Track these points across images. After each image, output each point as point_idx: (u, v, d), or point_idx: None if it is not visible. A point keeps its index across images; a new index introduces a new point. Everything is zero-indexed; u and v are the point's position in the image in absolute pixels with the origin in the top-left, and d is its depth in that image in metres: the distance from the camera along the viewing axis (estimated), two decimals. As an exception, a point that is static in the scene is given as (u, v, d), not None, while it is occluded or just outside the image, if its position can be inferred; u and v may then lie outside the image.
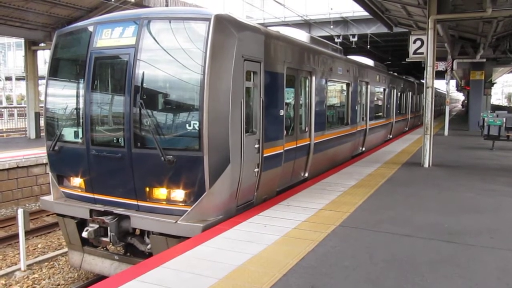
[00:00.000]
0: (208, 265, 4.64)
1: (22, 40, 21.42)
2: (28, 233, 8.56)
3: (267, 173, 7.13)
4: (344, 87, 12.17)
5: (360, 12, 21.39)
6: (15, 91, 56.05)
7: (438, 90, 39.12)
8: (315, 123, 9.30)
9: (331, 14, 24.90)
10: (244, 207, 6.71)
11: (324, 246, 5.26)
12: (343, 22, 25.73)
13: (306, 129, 9.15)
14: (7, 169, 12.76)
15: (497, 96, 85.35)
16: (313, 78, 9.22)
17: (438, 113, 34.88)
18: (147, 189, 6.24)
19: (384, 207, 7.13)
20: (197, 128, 5.79)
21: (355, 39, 25.31)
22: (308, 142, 9.12)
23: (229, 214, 6.31)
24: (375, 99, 15.99)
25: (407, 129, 23.59)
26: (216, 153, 5.87)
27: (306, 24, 25.12)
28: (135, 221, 6.25)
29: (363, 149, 14.20)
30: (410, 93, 24.00)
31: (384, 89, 17.28)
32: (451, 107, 37.00)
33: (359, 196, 7.81)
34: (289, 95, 8.40)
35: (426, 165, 11.33)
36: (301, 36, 9.82)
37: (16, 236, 9.23)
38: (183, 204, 6.06)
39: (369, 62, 15.80)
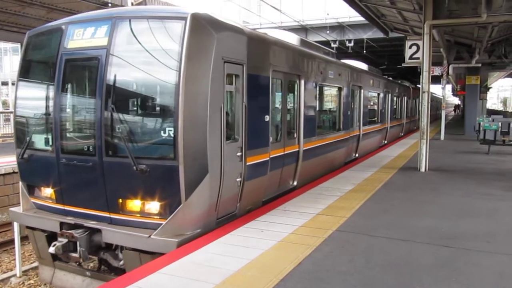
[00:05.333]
0: (204, 270, 4.62)
1: (19, 45, 21.41)
2: (24, 238, 8.50)
3: (251, 183, 6.74)
4: (336, 91, 11.79)
5: (356, 17, 21.48)
6: (11, 96, 55.95)
7: (434, 94, 39.26)
8: (304, 129, 8.93)
9: (328, 19, 25.00)
10: (226, 219, 6.31)
11: (321, 251, 5.26)
12: (340, 27, 25.86)
13: (295, 136, 8.76)
14: (3, 174, 12.70)
15: (492, 101, 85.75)
16: (302, 82, 8.83)
17: (434, 118, 34.93)
18: (120, 200, 5.82)
19: (381, 212, 7.13)
20: (172, 135, 5.41)
21: (351, 44, 25.42)
22: (297, 149, 8.73)
23: (209, 227, 5.89)
24: (369, 104, 15.67)
25: (402, 134, 23.40)
26: (193, 162, 5.50)
27: (302, 29, 25.22)
28: (106, 235, 5.81)
29: (357, 155, 13.86)
30: (405, 97, 23.81)
31: (378, 94, 16.99)
32: (447, 112, 37.15)
33: (356, 200, 7.81)
34: (275, 100, 8.08)
35: (423, 169, 11.35)
36: (291, 38, 9.49)
37: (12, 241, 9.17)
38: (158, 217, 5.64)
39: (363, 66, 15.61)
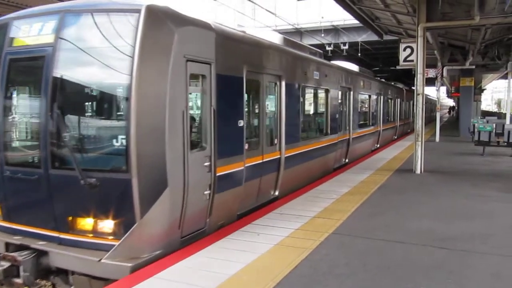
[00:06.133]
0: (201, 274, 4.61)
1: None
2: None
3: (222, 195, 6.12)
4: (323, 93, 11.10)
5: (350, 20, 21.60)
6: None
7: (428, 96, 39.40)
8: (286, 135, 8.23)
9: (322, 22, 25.15)
10: (193, 237, 5.67)
11: (318, 254, 5.25)
12: (334, 30, 25.97)
13: (275, 142, 8.06)
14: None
15: (487, 102, 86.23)
16: (283, 83, 8.13)
17: (429, 120, 35.01)
18: (70, 218, 5.11)
19: (377, 214, 7.14)
20: (125, 144, 4.79)
21: (346, 47, 25.53)
22: (278, 156, 8.06)
23: (171, 247, 5.27)
24: (360, 106, 15.01)
25: (396, 137, 23.00)
26: (148, 175, 4.88)
27: (297, 33, 25.31)
28: (54, 258, 5.08)
29: (347, 160, 13.16)
30: (399, 99, 23.48)
31: (370, 96, 16.40)
32: (442, 114, 37.32)
33: (352, 203, 7.82)
34: (251, 103, 7.58)
35: (418, 171, 11.40)
36: (272, 37, 8.84)
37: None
38: (112, 238, 4.93)
39: (353, 67, 15.18)
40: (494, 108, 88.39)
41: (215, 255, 5.17)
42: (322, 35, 25.20)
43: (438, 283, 4.47)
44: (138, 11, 4.91)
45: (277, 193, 8.20)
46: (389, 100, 20.77)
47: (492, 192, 9.01)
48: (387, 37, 19.89)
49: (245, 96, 6.88)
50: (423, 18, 11.24)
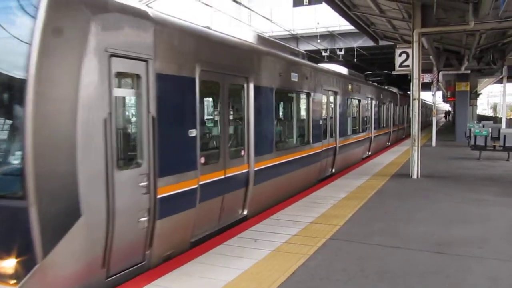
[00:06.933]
0: (198, 282, 4.59)
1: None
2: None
3: (167, 221, 5.13)
4: (303, 97, 10.15)
5: (346, 26, 21.66)
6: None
7: (424, 101, 39.44)
8: (256, 145, 7.23)
9: (318, 28, 25.24)
10: (128, 274, 4.66)
11: (315, 259, 5.25)
12: (330, 36, 26.09)
13: (242, 153, 7.08)
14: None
15: (483, 107, 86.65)
16: (251, 85, 7.14)
17: (425, 125, 35.02)
18: None
19: (374, 219, 7.15)
20: (20, 163, 3.77)
21: (342, 52, 25.63)
22: (246, 170, 7.09)
23: None
24: (348, 111, 14.10)
25: (389, 143, 22.16)
26: (53, 202, 3.86)
27: (293, 38, 25.40)
28: None
29: (333, 170, 12.08)
30: (392, 104, 22.71)
31: (360, 100, 15.44)
32: (438, 118, 37.45)
33: (349, 208, 7.82)
34: (209, 109, 6.77)
35: (415, 176, 11.42)
36: (245, 34, 7.95)
37: None
38: (14, 281, 3.84)
39: (342, 70, 14.50)
40: (490, 113, 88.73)
41: (212, 262, 5.15)
42: (318, 40, 25.31)
43: (436, 288, 4.48)
44: None
45: (245, 212, 7.19)
46: (382, 105, 20.05)
47: (489, 196, 9.03)
48: (382, 43, 19.98)
49: (199, 100, 5.83)
50: (418, 24, 11.31)
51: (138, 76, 4.78)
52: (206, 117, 6.72)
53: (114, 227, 4.38)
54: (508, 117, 31.28)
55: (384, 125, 20.76)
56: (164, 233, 5.11)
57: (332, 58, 25.84)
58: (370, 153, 17.33)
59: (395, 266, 5.06)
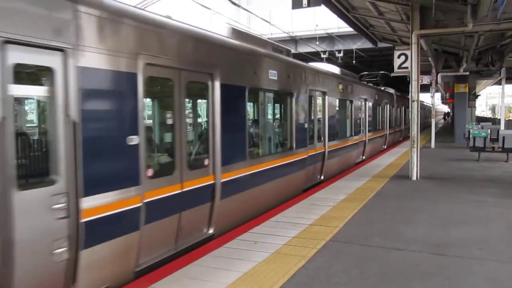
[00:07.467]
0: (198, 284, 4.58)
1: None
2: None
3: (99, 249, 4.26)
4: (285, 98, 9.22)
5: (345, 28, 21.73)
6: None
7: (423, 103, 39.43)
8: (224, 152, 6.31)
9: (317, 30, 25.26)
10: None
11: (315, 262, 5.24)
12: (329, 38, 26.13)
13: (206, 163, 6.14)
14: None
15: (481, 108, 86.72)
16: (217, 84, 6.20)
17: (424, 126, 34.97)
18: None
19: (373, 221, 7.14)
20: None
21: (341, 54, 25.67)
22: (211, 182, 6.16)
23: None
24: (339, 113, 13.20)
25: (385, 147, 21.23)
26: None
27: (292, 41, 25.44)
28: None
29: (322, 177, 11.23)
30: (388, 106, 21.87)
31: (352, 102, 14.53)
32: (437, 120, 37.46)
33: (348, 210, 7.82)
34: (158, 111, 5.94)
35: (414, 177, 11.43)
36: (219, 28, 7.07)
37: None
38: None
39: (333, 69, 13.75)
40: (488, 114, 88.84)
41: (212, 264, 5.14)
42: (317, 43, 25.34)
43: (436, 289, 4.48)
44: None
45: (211, 230, 6.28)
46: (377, 106, 19.12)
47: (488, 197, 9.04)
48: (381, 45, 20.03)
49: (143, 101, 4.88)
50: (417, 26, 11.33)
51: (49, 70, 3.82)
52: (156, 121, 5.87)
53: (13, 265, 3.49)
54: (506, 118, 31.30)
55: (380, 128, 19.94)
56: (93, 265, 4.21)
57: (331, 60, 25.87)
58: (364, 157, 16.47)
59: (395, 268, 5.06)
